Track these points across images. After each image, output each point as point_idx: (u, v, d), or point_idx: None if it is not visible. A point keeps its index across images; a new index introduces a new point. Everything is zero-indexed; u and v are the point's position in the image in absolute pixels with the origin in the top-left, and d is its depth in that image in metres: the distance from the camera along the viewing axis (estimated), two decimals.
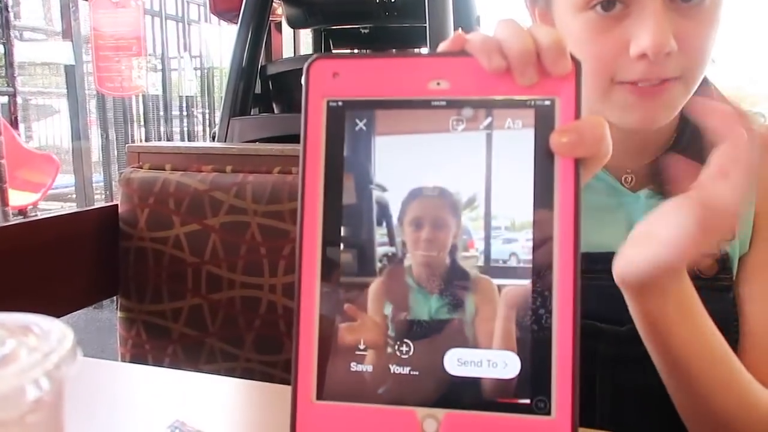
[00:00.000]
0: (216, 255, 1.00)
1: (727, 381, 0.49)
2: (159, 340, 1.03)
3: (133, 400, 0.53)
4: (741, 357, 0.56)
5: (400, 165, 0.30)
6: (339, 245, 0.30)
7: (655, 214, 0.45)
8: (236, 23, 1.51)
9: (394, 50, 1.73)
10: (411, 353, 0.29)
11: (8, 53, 2.97)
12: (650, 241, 0.44)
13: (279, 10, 1.58)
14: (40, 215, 3.57)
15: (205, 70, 3.93)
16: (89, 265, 1.04)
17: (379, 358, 0.29)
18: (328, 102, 0.30)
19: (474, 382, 0.28)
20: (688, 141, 0.60)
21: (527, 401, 0.27)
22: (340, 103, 0.30)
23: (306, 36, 2.11)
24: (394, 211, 0.30)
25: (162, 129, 3.94)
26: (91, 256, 1.04)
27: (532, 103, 0.29)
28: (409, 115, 0.30)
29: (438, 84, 0.30)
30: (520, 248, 0.29)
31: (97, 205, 3.72)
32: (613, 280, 0.57)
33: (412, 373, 0.28)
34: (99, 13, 3.33)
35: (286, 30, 1.78)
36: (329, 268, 0.29)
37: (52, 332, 0.24)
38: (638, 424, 0.61)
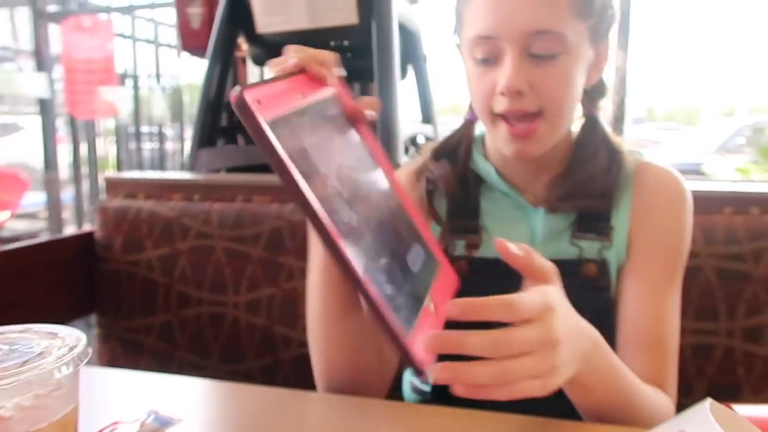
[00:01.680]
0: (185, 275, 1.11)
1: (627, 400, 0.60)
2: (132, 353, 1.14)
3: (114, 396, 0.64)
4: (618, 345, 0.70)
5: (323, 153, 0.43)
6: (349, 223, 0.40)
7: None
8: (204, 58, 1.63)
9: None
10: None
11: None
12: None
13: (245, 46, 1.71)
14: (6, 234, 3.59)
15: (175, 90, 4.01)
16: (68, 286, 1.14)
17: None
18: (269, 123, 0.38)
19: None
20: (578, 166, 0.74)
21: None
22: (274, 121, 0.38)
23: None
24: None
25: (132, 146, 4.01)
26: (69, 279, 1.14)
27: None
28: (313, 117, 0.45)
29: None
30: None
31: (68, 227, 3.76)
32: (517, 282, 0.72)
33: None
34: (70, 36, 3.39)
35: (253, 64, 1.90)
36: (353, 241, 0.39)
37: (71, 336, 0.37)
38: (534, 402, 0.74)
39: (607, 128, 0.78)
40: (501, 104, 0.66)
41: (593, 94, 0.75)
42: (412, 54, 1.71)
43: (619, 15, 2.19)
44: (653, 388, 0.66)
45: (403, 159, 1.47)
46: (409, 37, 1.69)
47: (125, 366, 1.13)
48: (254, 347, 1.07)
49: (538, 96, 0.65)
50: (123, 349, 1.14)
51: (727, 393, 0.91)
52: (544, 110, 0.66)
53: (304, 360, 1.04)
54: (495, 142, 0.73)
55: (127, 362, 1.13)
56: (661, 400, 0.66)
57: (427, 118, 1.90)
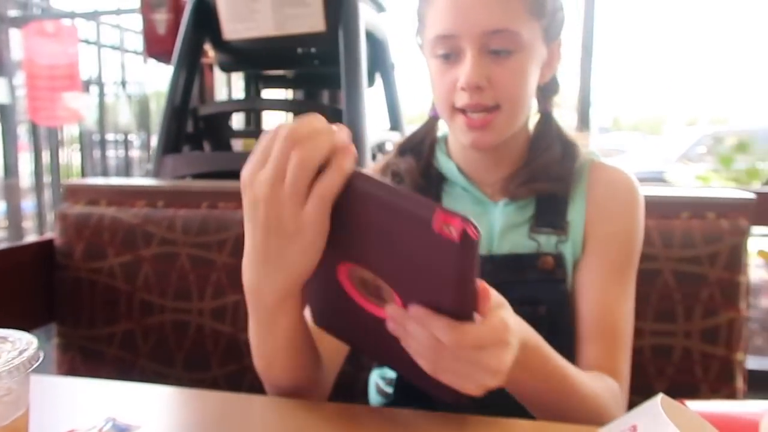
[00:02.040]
0: (148, 283, 1.09)
1: (567, 396, 0.62)
2: (93, 362, 1.11)
3: (72, 404, 0.62)
4: (576, 335, 0.72)
5: None
6: None
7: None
8: (170, 64, 1.61)
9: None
10: None
11: None
12: None
13: (211, 52, 1.70)
14: None
15: (141, 98, 3.95)
16: (27, 295, 1.11)
17: None
18: None
19: None
20: (532, 161, 0.77)
21: None
22: None
23: (238, 76, 2.23)
24: None
25: (97, 154, 3.92)
26: (28, 287, 1.12)
27: None
28: None
29: None
30: None
31: (29, 237, 3.66)
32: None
33: None
34: (32, 41, 3.32)
35: (220, 71, 1.89)
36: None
37: (22, 340, 0.36)
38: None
39: (561, 123, 0.81)
40: (462, 99, 0.70)
41: (547, 91, 0.79)
42: (379, 62, 1.72)
43: (580, 19, 2.25)
44: (599, 380, 0.68)
45: (370, 165, 1.48)
46: (376, 45, 1.70)
47: (86, 376, 1.10)
48: (219, 354, 1.06)
49: (496, 90, 0.69)
50: (84, 358, 1.12)
51: (686, 393, 0.93)
52: (501, 104, 0.70)
53: None
54: (454, 134, 0.76)
55: (87, 372, 1.11)
56: (606, 391, 0.67)
57: (395, 125, 1.91)
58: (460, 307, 0.45)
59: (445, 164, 0.80)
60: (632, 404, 0.63)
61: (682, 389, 0.94)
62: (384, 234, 0.44)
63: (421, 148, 0.82)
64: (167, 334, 1.08)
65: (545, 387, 0.60)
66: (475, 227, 0.41)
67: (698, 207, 0.97)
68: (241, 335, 1.04)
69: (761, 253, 3.54)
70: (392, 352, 0.49)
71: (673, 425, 0.39)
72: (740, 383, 0.94)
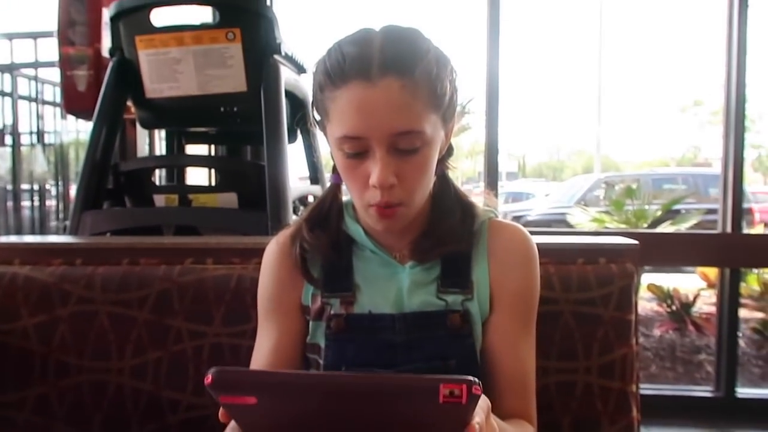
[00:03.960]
0: (65, 343, 1.06)
1: None
2: (2, 430, 1.06)
3: None
4: (489, 388, 0.78)
5: None
6: None
7: None
8: (90, 121, 1.61)
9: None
10: None
11: None
12: None
13: (134, 108, 1.71)
14: None
15: (59, 147, 3.82)
16: None
17: None
18: None
19: None
20: (437, 222, 0.82)
21: None
22: None
23: (161, 132, 2.23)
24: None
25: (10, 204, 3.74)
26: None
27: None
28: None
29: None
30: None
31: None
32: (389, 334, 0.77)
33: None
34: None
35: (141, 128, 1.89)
36: None
37: None
38: None
39: (456, 183, 0.87)
40: (374, 197, 0.73)
41: (443, 157, 0.83)
42: (300, 119, 1.79)
43: (484, 70, 2.39)
44: (524, 429, 0.77)
45: (292, 218, 1.52)
46: (296, 103, 1.77)
47: None
48: (139, 414, 1.05)
49: (403, 186, 0.73)
50: None
51: (588, 426, 1.01)
52: (406, 201, 0.74)
53: (194, 423, 1.03)
54: (366, 217, 0.80)
55: None
56: None
57: (316, 179, 1.97)
58: None
59: (354, 228, 0.83)
60: None
61: (585, 423, 1.01)
62: (376, 414, 0.48)
63: (328, 217, 0.84)
64: (84, 395, 1.06)
65: None
66: (479, 384, 0.46)
67: (591, 253, 1.07)
68: (163, 393, 1.04)
69: (651, 286, 3.81)
70: None
71: None
72: (635, 413, 1.02)
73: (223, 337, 1.04)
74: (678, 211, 4.74)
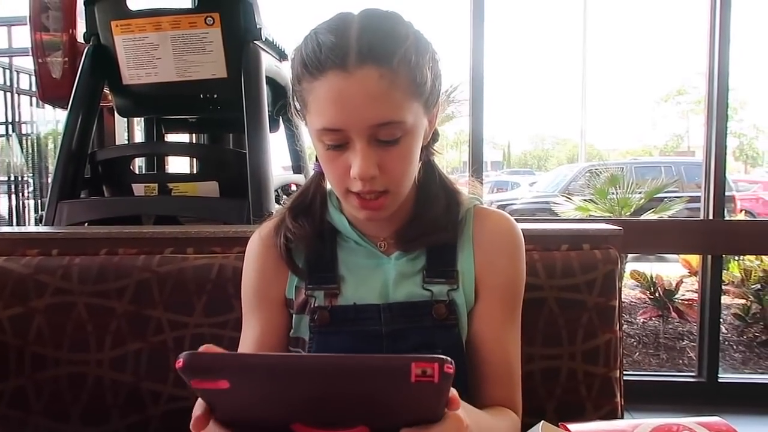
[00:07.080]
0: (41, 336, 1.04)
1: None
2: None
3: None
4: (475, 376, 0.79)
5: None
6: None
7: None
8: (66, 109, 1.57)
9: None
10: None
11: None
12: None
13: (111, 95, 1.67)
14: None
15: (35, 138, 3.76)
16: None
17: None
18: None
19: None
20: (421, 211, 0.81)
21: None
22: None
23: (140, 119, 2.19)
24: None
25: None
26: None
27: None
28: None
29: None
30: None
31: None
32: (374, 325, 0.76)
33: None
34: None
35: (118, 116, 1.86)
36: None
37: None
38: None
39: (442, 170, 0.85)
40: (355, 186, 0.71)
41: (428, 143, 0.81)
42: (282, 107, 1.76)
43: (468, 59, 2.38)
44: (506, 417, 0.77)
45: (275, 208, 1.50)
46: (278, 90, 1.74)
47: None
48: (120, 406, 1.03)
49: (386, 176, 0.71)
50: None
51: (573, 412, 1.01)
52: (390, 189, 0.73)
53: (176, 415, 1.02)
54: (348, 207, 0.78)
55: None
56: (511, 427, 0.77)
57: (298, 168, 1.94)
58: (434, 416, 0.50)
59: (338, 219, 0.82)
60: (525, 426, 0.70)
61: (570, 409, 1.01)
62: (348, 395, 0.47)
63: (312, 206, 0.83)
64: (62, 388, 1.03)
65: None
66: (451, 362, 0.45)
67: (575, 239, 1.07)
68: (144, 384, 1.02)
69: (634, 273, 3.86)
70: None
71: None
72: (619, 398, 1.02)
73: (204, 327, 1.03)
74: (661, 200, 4.78)
